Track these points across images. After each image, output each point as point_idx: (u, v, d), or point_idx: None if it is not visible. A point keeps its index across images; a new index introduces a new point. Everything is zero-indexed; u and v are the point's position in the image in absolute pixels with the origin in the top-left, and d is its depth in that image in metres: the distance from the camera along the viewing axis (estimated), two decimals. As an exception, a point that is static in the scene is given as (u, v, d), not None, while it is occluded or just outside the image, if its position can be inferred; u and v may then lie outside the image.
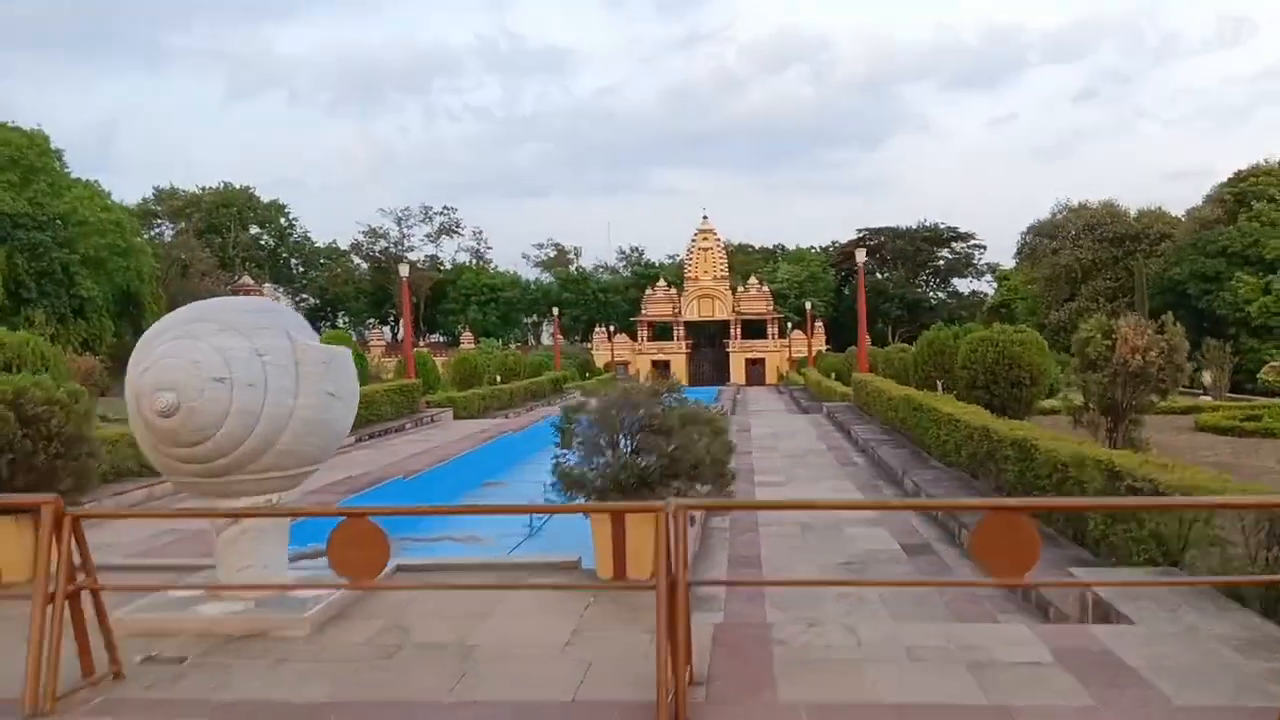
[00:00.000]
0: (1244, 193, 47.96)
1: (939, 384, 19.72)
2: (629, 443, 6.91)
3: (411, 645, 5.73)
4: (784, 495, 13.30)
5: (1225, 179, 50.11)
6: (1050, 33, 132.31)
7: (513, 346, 78.07)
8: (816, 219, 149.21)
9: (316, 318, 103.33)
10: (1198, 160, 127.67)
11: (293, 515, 6.40)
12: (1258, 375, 32.27)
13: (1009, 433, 11.34)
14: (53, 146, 62.46)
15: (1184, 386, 23.97)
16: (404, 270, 30.94)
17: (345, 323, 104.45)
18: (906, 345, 32.63)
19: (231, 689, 5.05)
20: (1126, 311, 42.41)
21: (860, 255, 29.03)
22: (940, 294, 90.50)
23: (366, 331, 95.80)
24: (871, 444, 18.18)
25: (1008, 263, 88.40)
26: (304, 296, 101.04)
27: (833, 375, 38.07)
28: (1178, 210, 56.48)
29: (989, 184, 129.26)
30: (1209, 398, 30.67)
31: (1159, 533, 7.46)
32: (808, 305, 66.09)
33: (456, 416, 29.18)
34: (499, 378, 40.00)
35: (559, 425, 7.24)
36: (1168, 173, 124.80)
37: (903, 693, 4.82)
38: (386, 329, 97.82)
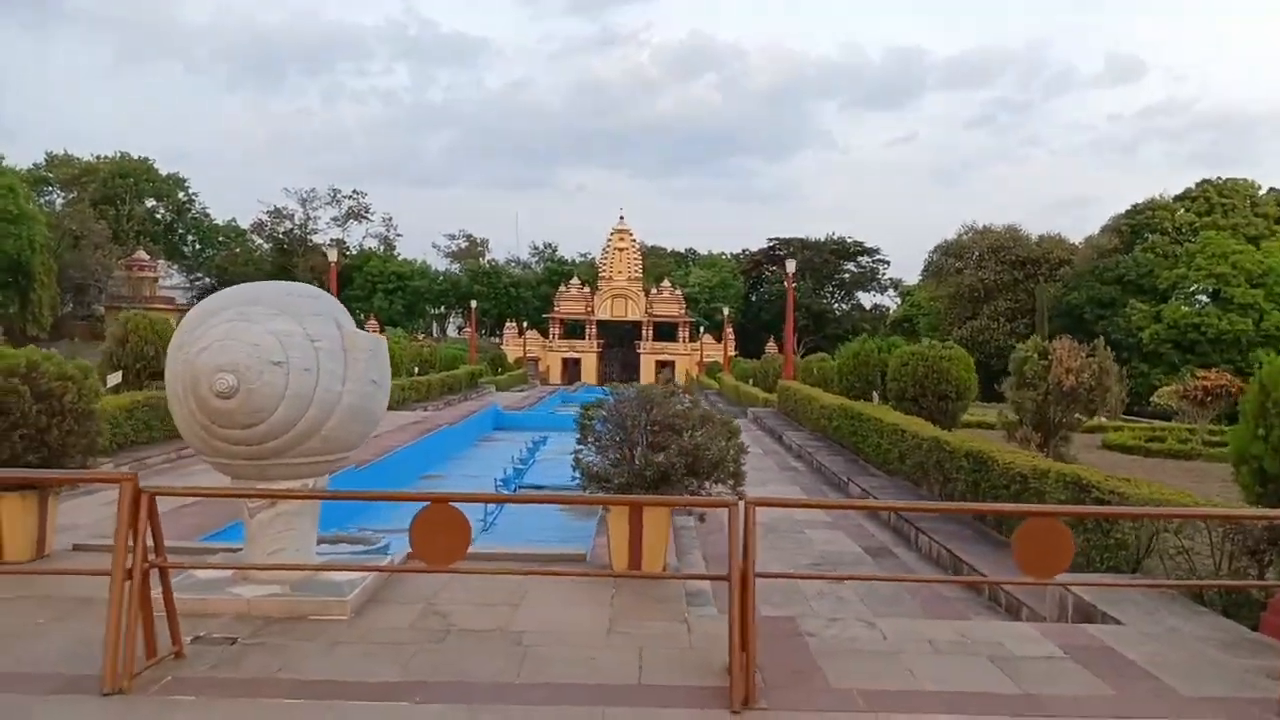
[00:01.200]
0: (1139, 225, 50.67)
1: (874, 395, 20.44)
2: (645, 440, 7.17)
3: (457, 630, 5.89)
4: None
5: (1123, 210, 52.92)
6: (952, 58, 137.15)
7: (420, 337, 77.18)
8: (723, 226, 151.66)
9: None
10: (1084, 190, 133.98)
11: (379, 499, 6.48)
12: (1151, 399, 34.16)
13: (961, 444, 11.97)
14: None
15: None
16: (332, 255, 30.43)
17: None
18: (826, 355, 33.51)
19: (296, 669, 5.15)
20: (1034, 332, 44.22)
21: (790, 265, 29.78)
22: (844, 306, 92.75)
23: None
24: (808, 450, 18.76)
25: (909, 279, 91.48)
26: (199, 276, 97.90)
27: (750, 381, 38.80)
28: (1075, 237, 59.35)
29: (889, 201, 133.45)
30: (1105, 419, 32.32)
31: (1124, 541, 8.08)
32: (725, 310, 67.07)
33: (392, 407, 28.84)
34: (416, 369, 39.63)
35: (578, 422, 7.45)
36: (1056, 201, 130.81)
37: (940, 681, 5.22)
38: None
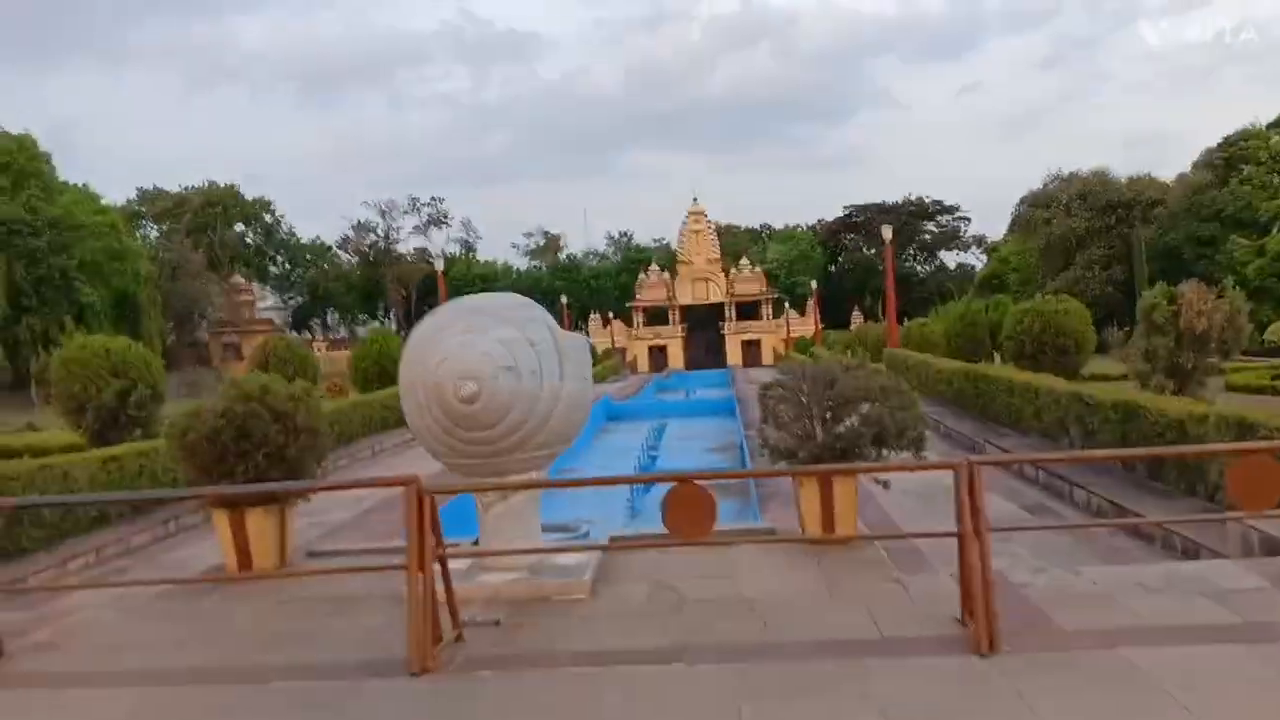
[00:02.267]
0: (1233, 157, 49.18)
1: (996, 356, 20.50)
2: (828, 413, 7.58)
3: (691, 600, 6.39)
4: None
5: (1215, 143, 51.40)
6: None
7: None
8: (792, 197, 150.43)
9: (306, 315, 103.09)
10: (1162, 124, 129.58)
11: (613, 483, 6.96)
12: (1263, 336, 33.40)
13: (1105, 396, 12.12)
14: (41, 149, 62.07)
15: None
16: (439, 265, 31.43)
17: (336, 319, 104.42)
18: (924, 319, 33.44)
19: (566, 642, 5.70)
20: (1131, 278, 43.22)
21: (887, 231, 29.76)
22: (928, 268, 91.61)
23: (361, 328, 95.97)
24: (931, 417, 18.88)
25: (991, 234, 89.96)
26: (291, 295, 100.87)
27: (849, 352, 38.77)
28: (1160, 174, 57.82)
29: (960, 155, 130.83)
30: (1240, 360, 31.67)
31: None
32: (813, 284, 66.84)
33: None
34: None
35: (763, 397, 7.89)
36: (1134, 138, 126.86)
37: (1166, 617, 5.54)
38: (378, 323, 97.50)
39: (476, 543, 8.89)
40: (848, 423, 7.54)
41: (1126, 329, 39.46)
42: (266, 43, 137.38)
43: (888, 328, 37.72)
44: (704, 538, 5.51)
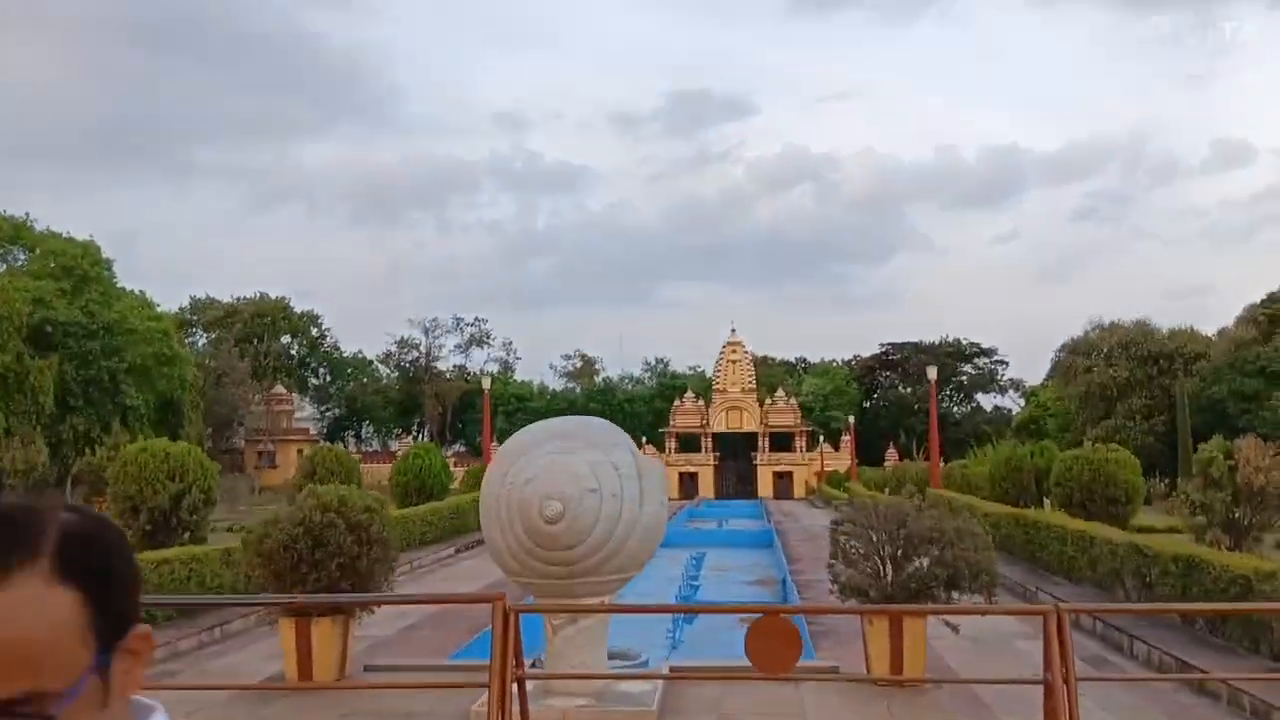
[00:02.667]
0: (1277, 313, 49.22)
1: (1047, 502, 20.30)
2: (899, 553, 7.58)
3: (762, 736, 6.32)
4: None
5: (1258, 300, 51.53)
6: (1050, 154, 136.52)
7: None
8: (827, 333, 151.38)
9: (342, 428, 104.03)
10: (1203, 279, 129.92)
11: (720, 612, 6.97)
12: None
13: (1165, 548, 11.96)
14: (103, 256, 64.23)
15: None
16: (486, 383, 31.90)
17: (370, 432, 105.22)
18: (965, 461, 33.22)
19: (640, 772, 5.64)
20: (1173, 430, 42.82)
21: (931, 371, 30.08)
22: (964, 409, 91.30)
23: (395, 441, 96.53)
24: (978, 558, 18.68)
25: (1026, 379, 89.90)
26: (329, 406, 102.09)
27: (886, 490, 38.48)
28: (1200, 327, 57.95)
29: (995, 300, 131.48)
30: None
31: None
32: (850, 419, 66.74)
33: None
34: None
35: (833, 534, 7.91)
36: (1174, 291, 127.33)
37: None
38: (411, 438, 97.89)
39: (535, 664, 8.88)
40: (918, 563, 7.53)
41: (1168, 480, 38.89)
42: (327, 165, 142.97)
43: (929, 467, 37.53)
44: (787, 673, 5.49)
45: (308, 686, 7.26)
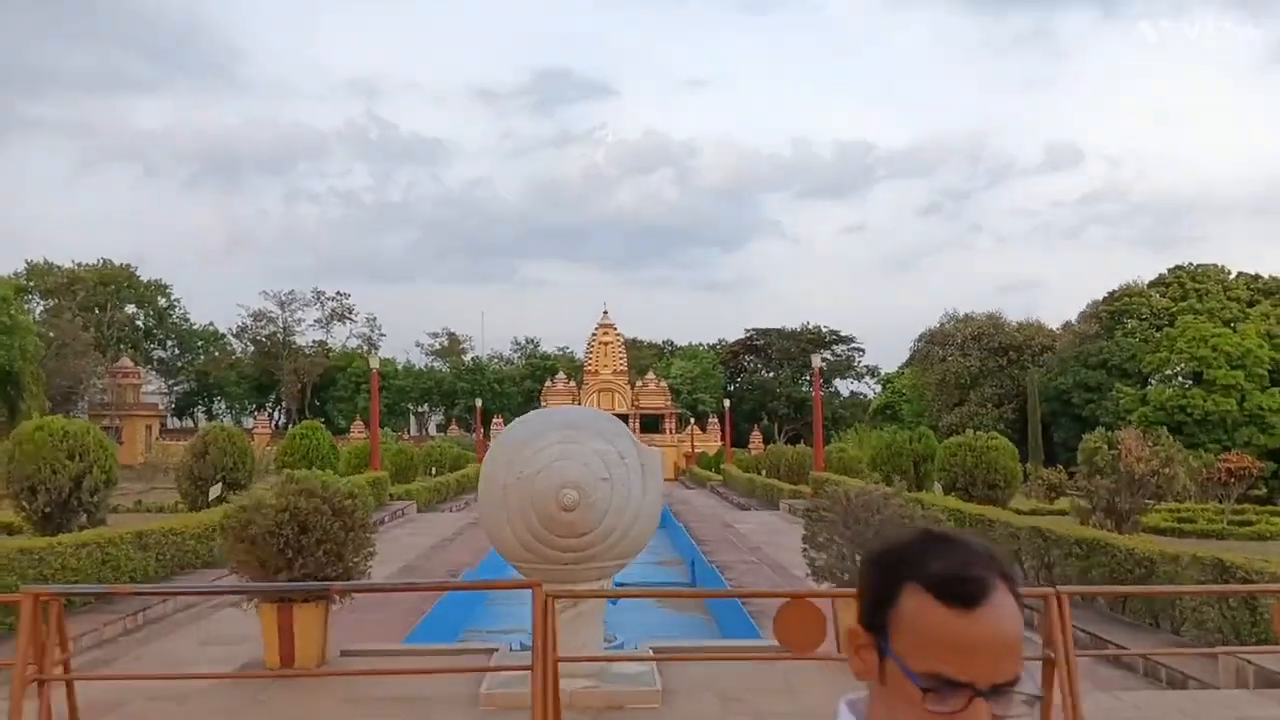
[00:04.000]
0: (1117, 310, 52.96)
1: (937, 485, 21.39)
2: (873, 536, 8.00)
3: (770, 714, 6.62)
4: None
5: (1100, 297, 55.32)
6: (897, 150, 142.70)
7: (406, 436, 77.47)
8: (692, 317, 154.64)
9: (191, 403, 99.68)
10: (1034, 273, 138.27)
11: (750, 596, 7.17)
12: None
13: (1068, 531, 12.90)
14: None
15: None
16: (374, 362, 31.14)
17: (223, 408, 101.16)
18: (842, 445, 34.58)
19: (668, 750, 5.87)
20: (1023, 417, 45.35)
21: (816, 360, 31.02)
22: (823, 393, 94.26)
23: (248, 418, 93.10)
24: (873, 539, 19.61)
25: (879, 365, 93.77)
26: (178, 381, 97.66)
27: (763, 472, 39.61)
28: (1019, 317, 62.04)
29: (845, 288, 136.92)
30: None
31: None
32: (726, 402, 68.12)
33: (419, 510, 29.31)
34: (433, 470, 40.07)
35: (809, 519, 8.28)
36: (1007, 284, 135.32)
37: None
38: (266, 414, 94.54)
39: (523, 648, 8.97)
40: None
41: (1023, 465, 41.24)
42: (165, 125, 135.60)
43: (801, 451, 38.83)
44: (812, 652, 5.80)
45: (298, 673, 7.16)
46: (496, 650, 8.07)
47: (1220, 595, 9.03)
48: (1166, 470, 15.62)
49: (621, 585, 17.93)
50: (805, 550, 8.27)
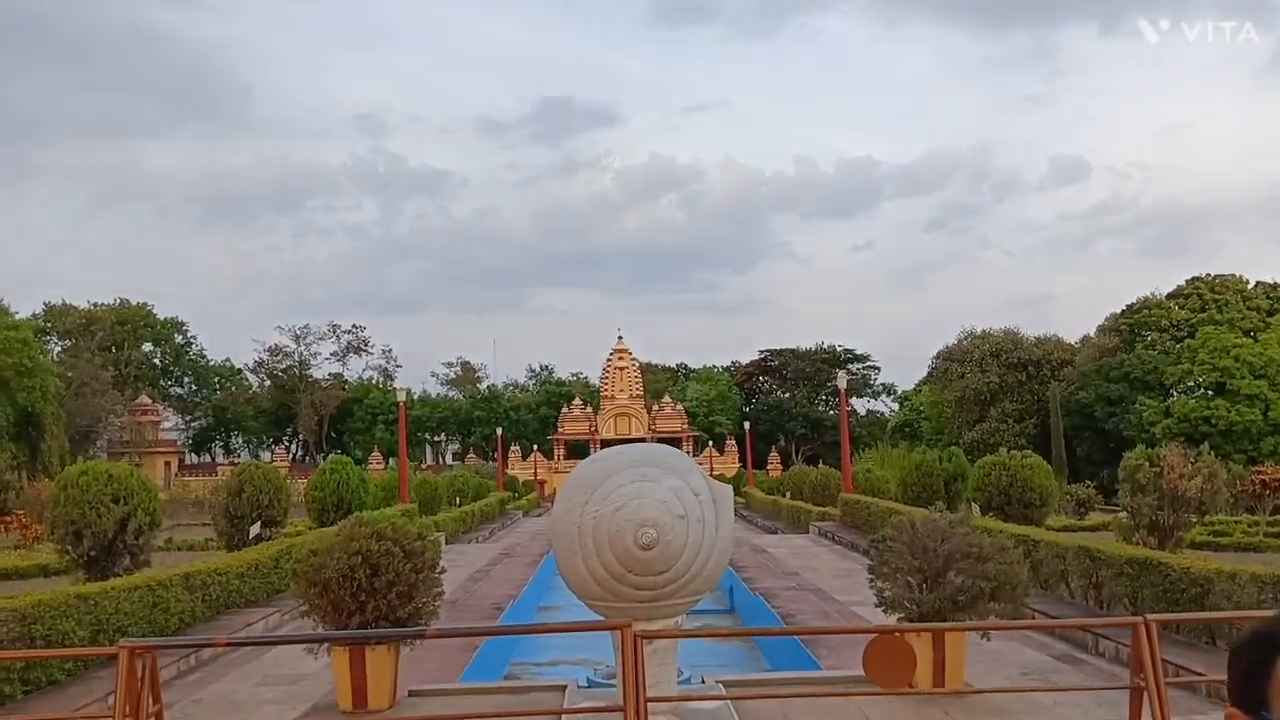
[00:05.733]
0: (1137, 323, 52.84)
1: (974, 505, 21.29)
2: (942, 567, 7.99)
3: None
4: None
5: (1120, 310, 55.19)
6: (903, 167, 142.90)
7: (424, 467, 77.51)
8: (705, 339, 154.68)
9: (208, 438, 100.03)
10: (1044, 287, 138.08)
11: (839, 632, 7.19)
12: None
13: (1117, 551, 12.83)
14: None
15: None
16: (401, 395, 31.25)
17: (240, 443, 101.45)
18: (870, 468, 34.49)
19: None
20: (1045, 432, 45.16)
21: (842, 380, 30.90)
22: (837, 413, 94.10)
23: (265, 452, 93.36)
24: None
25: (895, 383, 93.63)
26: (195, 417, 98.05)
27: (788, 494, 39.52)
28: (1036, 332, 61.92)
29: (855, 307, 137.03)
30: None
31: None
32: (746, 425, 68.05)
33: (447, 541, 29.30)
34: (458, 500, 40.07)
35: (876, 549, 8.27)
36: (1018, 298, 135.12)
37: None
38: (283, 448, 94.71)
39: (590, 685, 8.97)
40: (953, 577, 7.93)
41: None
42: (176, 166, 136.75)
43: (826, 472, 38.70)
44: (903, 687, 5.79)
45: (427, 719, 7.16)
46: (566, 687, 8.06)
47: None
48: (1210, 486, 15.51)
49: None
50: (872, 581, 8.25)
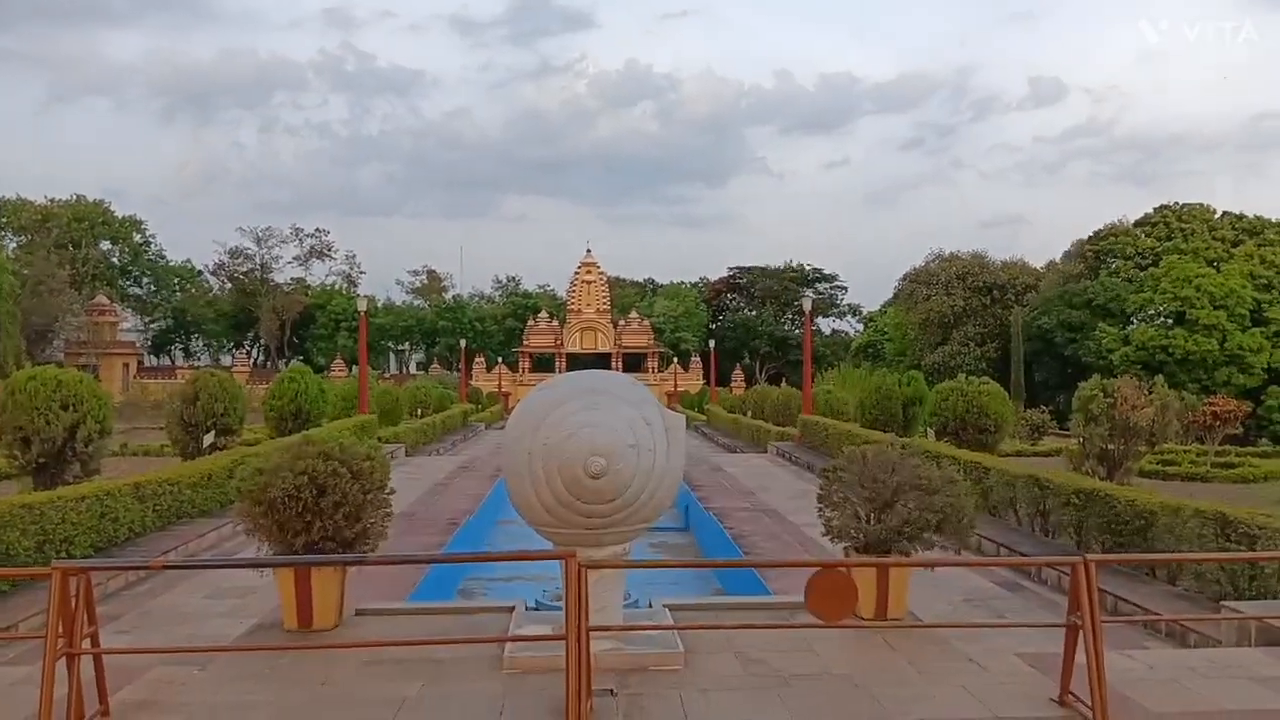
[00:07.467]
0: (1102, 250, 53.13)
1: (929, 430, 21.52)
2: (891, 499, 8.04)
3: (789, 675, 6.67)
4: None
5: (1086, 236, 55.45)
6: (881, 84, 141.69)
7: (386, 376, 77.24)
8: (674, 254, 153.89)
9: (168, 341, 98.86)
10: (1016, 209, 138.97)
11: (778, 566, 7.18)
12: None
13: (1067, 481, 13.02)
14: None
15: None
16: (362, 304, 30.80)
17: (200, 346, 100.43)
18: (831, 389, 34.74)
19: (701, 714, 5.91)
20: (1006, 356, 45.66)
21: (807, 303, 30.90)
22: (802, 332, 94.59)
23: (226, 356, 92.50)
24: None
25: (861, 304, 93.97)
26: (154, 318, 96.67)
27: (749, 413, 39.81)
28: (1003, 255, 62.19)
29: (828, 224, 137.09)
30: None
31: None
32: (710, 343, 68.15)
33: (407, 453, 29.32)
34: (418, 412, 40.01)
35: (826, 479, 8.30)
36: (989, 220, 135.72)
37: (1239, 702, 6.16)
38: (244, 353, 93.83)
39: (538, 607, 9.01)
40: (901, 508, 7.98)
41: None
42: (136, 57, 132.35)
43: (788, 392, 39.01)
44: (845, 620, 5.83)
45: (368, 644, 7.15)
46: (513, 608, 8.08)
47: (1232, 561, 9.13)
48: (1161, 418, 15.76)
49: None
50: (820, 510, 8.29)
